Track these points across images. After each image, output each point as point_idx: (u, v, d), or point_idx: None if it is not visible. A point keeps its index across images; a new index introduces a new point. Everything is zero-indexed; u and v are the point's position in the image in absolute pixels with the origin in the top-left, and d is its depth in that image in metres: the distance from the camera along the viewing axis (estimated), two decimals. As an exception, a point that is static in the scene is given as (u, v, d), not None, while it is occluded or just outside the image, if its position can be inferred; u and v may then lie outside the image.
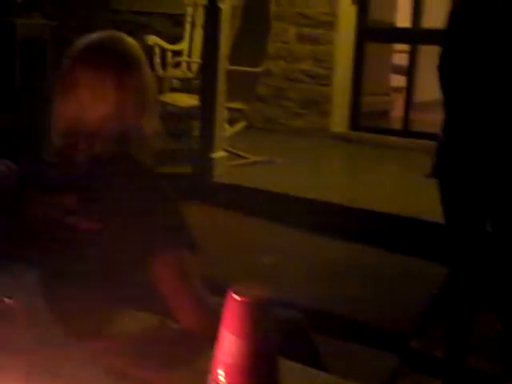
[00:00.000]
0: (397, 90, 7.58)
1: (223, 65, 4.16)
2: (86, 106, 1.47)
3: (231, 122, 4.80)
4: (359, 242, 3.54)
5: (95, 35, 1.55)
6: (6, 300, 1.29)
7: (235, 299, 0.82)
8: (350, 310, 2.94)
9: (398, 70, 7.20)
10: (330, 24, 5.51)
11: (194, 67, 5.21)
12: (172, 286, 1.37)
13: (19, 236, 1.77)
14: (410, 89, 5.81)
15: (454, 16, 2.20)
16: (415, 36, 5.64)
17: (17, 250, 1.85)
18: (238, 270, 3.11)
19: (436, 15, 6.01)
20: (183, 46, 5.29)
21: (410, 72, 5.81)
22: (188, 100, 4.56)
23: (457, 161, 2.21)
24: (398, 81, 7.26)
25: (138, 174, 1.48)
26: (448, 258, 2.41)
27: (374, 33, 5.72)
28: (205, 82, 4.22)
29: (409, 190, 4.17)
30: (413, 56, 5.74)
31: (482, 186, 2.20)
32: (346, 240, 3.57)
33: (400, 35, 6.16)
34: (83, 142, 1.46)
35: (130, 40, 1.58)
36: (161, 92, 4.51)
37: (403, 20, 6.08)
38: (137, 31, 5.92)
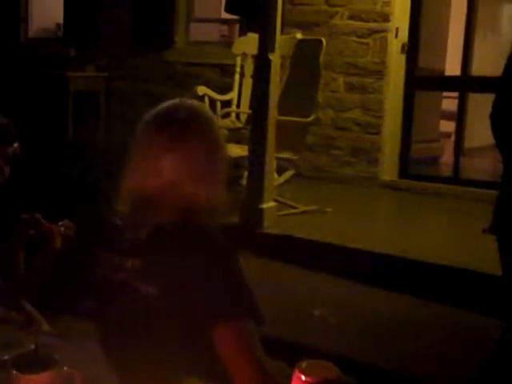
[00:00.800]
0: (446, 135, 7.54)
1: (273, 115, 4.18)
2: (153, 174, 1.47)
3: (279, 170, 4.81)
4: (410, 293, 3.47)
5: (164, 104, 1.54)
6: (67, 369, 1.31)
7: (303, 380, 0.80)
8: (402, 366, 2.87)
9: (447, 115, 7.16)
10: (379, 73, 5.51)
11: (243, 117, 5.25)
12: (234, 359, 1.35)
13: (80, 291, 1.81)
14: (459, 135, 5.75)
15: (510, 64, 2.17)
16: (464, 84, 5.61)
17: (75, 302, 1.88)
18: (288, 322, 3.08)
19: (486, 63, 6.03)
20: (232, 95, 5.35)
21: (459, 118, 5.77)
22: (237, 150, 4.59)
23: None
24: (447, 126, 7.23)
25: (200, 239, 1.45)
26: (506, 313, 2.34)
27: (423, 81, 5.71)
28: (254, 132, 4.25)
29: (461, 241, 4.08)
30: (462, 102, 5.71)
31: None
32: (397, 292, 3.50)
33: (449, 83, 6.14)
34: (149, 210, 1.47)
35: (200, 107, 1.57)
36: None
37: (453, 67, 6.07)
38: (187, 81, 6.05)
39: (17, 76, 6.40)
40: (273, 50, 4.21)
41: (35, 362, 1.35)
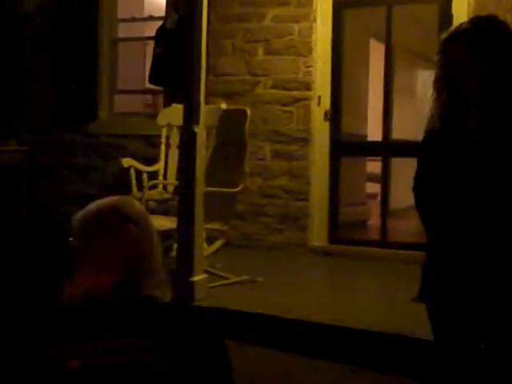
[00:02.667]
0: (372, 196, 7.70)
1: (199, 187, 4.16)
2: (101, 272, 1.63)
3: (208, 240, 4.76)
4: (344, 362, 3.45)
5: (104, 201, 1.73)
6: None
7: None
8: None
9: (372, 177, 7.33)
10: (304, 140, 5.61)
11: (171, 188, 5.21)
12: None
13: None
14: (384, 197, 5.87)
15: (429, 136, 2.21)
16: (386, 148, 5.77)
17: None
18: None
19: (405, 127, 6.24)
20: (159, 166, 5.31)
21: (384, 181, 5.90)
22: (165, 222, 4.52)
23: (443, 284, 2.18)
24: (373, 188, 7.39)
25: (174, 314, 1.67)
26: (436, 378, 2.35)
27: (346, 146, 5.84)
28: (182, 204, 4.20)
29: (392, 306, 4.09)
30: (385, 165, 5.85)
31: (472, 308, 2.15)
32: (334, 361, 3.47)
33: (372, 148, 6.31)
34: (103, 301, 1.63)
35: (138, 204, 1.78)
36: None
37: (375, 131, 6.23)
38: (113, 153, 5.99)
39: None
40: (197, 122, 4.20)
41: None
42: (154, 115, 5.96)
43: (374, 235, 6.00)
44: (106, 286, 1.62)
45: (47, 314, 1.71)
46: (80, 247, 1.66)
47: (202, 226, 4.22)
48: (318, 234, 5.64)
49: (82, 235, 1.67)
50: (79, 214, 1.70)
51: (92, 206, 1.72)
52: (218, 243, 4.99)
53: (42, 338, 1.63)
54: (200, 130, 4.20)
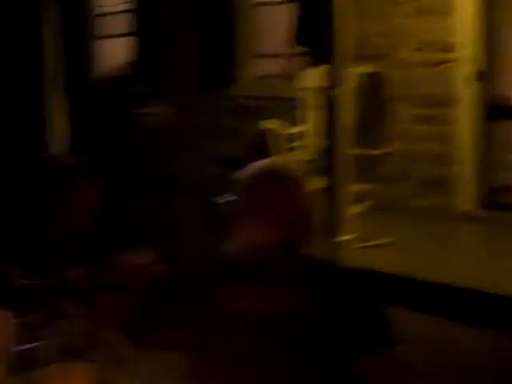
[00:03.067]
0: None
1: (344, 149, 4.16)
2: (262, 229, 1.71)
3: (351, 203, 4.74)
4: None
5: (263, 163, 1.84)
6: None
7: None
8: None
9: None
10: (449, 103, 5.43)
11: (309, 151, 5.22)
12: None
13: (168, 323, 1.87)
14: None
15: None
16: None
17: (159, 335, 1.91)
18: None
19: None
20: (298, 129, 5.34)
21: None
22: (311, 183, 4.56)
23: None
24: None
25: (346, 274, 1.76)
26: None
27: (495, 109, 5.59)
28: (327, 166, 4.22)
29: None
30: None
31: None
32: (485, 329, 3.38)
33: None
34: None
35: (293, 166, 1.89)
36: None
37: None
38: (253, 116, 6.08)
39: (87, 114, 6.54)
40: (340, 84, 4.20)
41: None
42: (292, 78, 5.99)
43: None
44: (266, 243, 1.70)
45: (221, 260, 1.82)
46: (242, 206, 1.75)
47: (347, 188, 4.24)
48: (464, 200, 5.45)
49: (244, 195, 1.76)
50: (240, 175, 1.79)
51: (252, 167, 1.80)
52: (362, 206, 4.98)
53: (211, 281, 1.76)
54: (341, 92, 4.19)
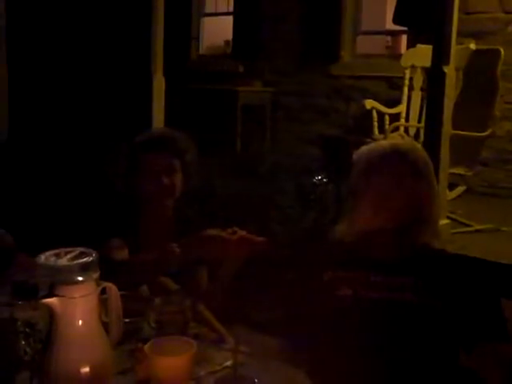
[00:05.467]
0: None
1: (446, 130, 4.03)
2: (378, 215, 1.68)
3: (449, 186, 4.63)
4: None
5: (388, 143, 1.74)
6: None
7: None
8: None
9: None
10: None
11: (412, 131, 5.12)
12: (493, 376, 1.56)
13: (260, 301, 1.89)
14: None
15: None
16: None
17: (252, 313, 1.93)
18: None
19: None
20: (401, 109, 5.23)
21: None
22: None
23: None
24: None
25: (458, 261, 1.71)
26: None
27: None
28: (427, 147, 4.11)
29: None
30: None
31: None
32: None
33: None
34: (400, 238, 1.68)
35: (420, 148, 1.80)
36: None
37: None
38: (354, 95, 6.01)
39: (186, 91, 6.66)
40: (447, 63, 4.05)
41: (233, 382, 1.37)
42: (396, 56, 5.86)
43: None
44: (381, 229, 1.64)
45: (324, 245, 1.80)
46: (361, 187, 1.68)
47: (446, 170, 4.11)
48: None
49: (365, 176, 1.69)
50: (361, 155, 1.70)
51: (376, 147, 1.70)
52: (460, 189, 4.85)
53: (319, 263, 1.73)
54: (449, 71, 4.05)
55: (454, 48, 4.13)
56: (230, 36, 7.33)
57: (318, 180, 3.72)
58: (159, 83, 5.09)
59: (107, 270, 1.37)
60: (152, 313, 1.69)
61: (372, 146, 1.73)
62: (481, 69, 4.68)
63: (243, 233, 2.00)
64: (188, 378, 1.40)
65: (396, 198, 1.66)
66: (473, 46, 4.87)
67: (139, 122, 5.11)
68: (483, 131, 4.41)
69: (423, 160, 1.71)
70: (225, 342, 1.76)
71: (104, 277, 1.37)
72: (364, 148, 1.73)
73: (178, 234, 2.18)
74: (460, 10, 5.08)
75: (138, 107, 5.20)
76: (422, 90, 5.21)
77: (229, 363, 1.57)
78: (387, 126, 4.90)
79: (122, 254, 2.06)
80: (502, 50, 4.58)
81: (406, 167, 1.67)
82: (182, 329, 1.65)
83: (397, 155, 1.69)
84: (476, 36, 5.32)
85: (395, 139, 1.83)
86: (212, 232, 2.01)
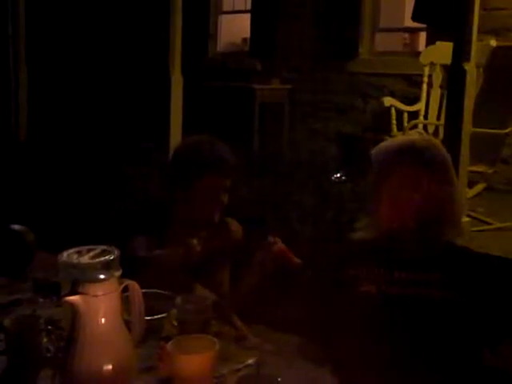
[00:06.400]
0: None
1: (467, 128, 4.00)
2: (401, 208, 1.66)
3: (469, 183, 4.59)
4: None
5: (406, 139, 1.75)
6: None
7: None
8: None
9: None
10: None
11: (431, 129, 5.08)
12: None
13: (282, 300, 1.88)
14: None
15: None
16: None
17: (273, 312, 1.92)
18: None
19: None
20: (420, 106, 5.20)
21: None
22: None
23: None
24: None
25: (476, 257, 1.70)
26: None
27: None
28: (447, 145, 4.07)
29: None
30: None
31: None
32: None
33: None
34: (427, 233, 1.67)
35: (438, 144, 1.76)
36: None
37: None
38: (371, 92, 5.98)
39: (204, 89, 6.66)
40: (468, 60, 4.02)
41: (256, 381, 1.36)
42: (415, 54, 5.83)
43: None
44: (402, 227, 1.64)
45: (345, 242, 1.79)
46: (380, 186, 1.67)
47: (466, 168, 4.08)
48: None
49: (382, 175, 1.69)
50: (378, 153, 1.69)
51: (392, 145, 1.69)
52: (480, 186, 4.81)
53: (338, 261, 1.72)
54: (470, 68, 4.02)
55: (475, 45, 4.10)
56: (247, 34, 7.32)
57: (337, 178, 3.72)
58: (177, 82, 5.09)
59: (131, 267, 1.37)
60: (174, 311, 1.69)
61: (388, 143, 1.72)
62: (501, 66, 4.64)
63: (283, 246, 1.99)
64: (211, 376, 1.39)
65: (415, 197, 1.63)
66: (493, 42, 4.82)
67: (157, 121, 5.11)
68: (504, 128, 4.37)
69: (441, 157, 1.69)
70: (247, 341, 1.76)
71: (127, 275, 1.37)
72: (381, 145, 1.72)
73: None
74: (480, 6, 5.05)
75: (157, 106, 5.20)
76: (441, 87, 5.17)
77: (251, 361, 1.56)
78: (406, 124, 4.87)
79: (147, 253, 2.06)
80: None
81: (423, 165, 1.66)
82: (204, 327, 1.65)
83: (413, 153, 1.68)
84: (496, 33, 5.27)
85: (413, 136, 1.80)
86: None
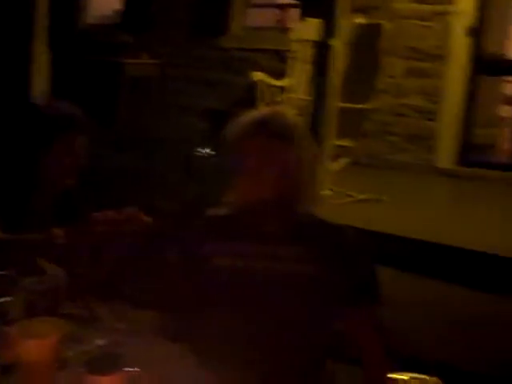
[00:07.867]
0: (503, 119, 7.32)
1: (333, 102, 4.11)
2: (256, 181, 1.66)
3: (334, 158, 4.72)
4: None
5: (255, 113, 1.72)
6: (135, 369, 1.29)
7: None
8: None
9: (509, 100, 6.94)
10: (441, 57, 5.36)
11: (300, 104, 5.17)
12: (368, 337, 1.67)
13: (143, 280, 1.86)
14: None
15: None
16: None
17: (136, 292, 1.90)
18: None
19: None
20: (289, 82, 5.27)
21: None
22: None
23: None
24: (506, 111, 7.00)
25: (338, 229, 1.73)
26: None
27: (487, 65, 5.53)
28: (314, 119, 4.18)
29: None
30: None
31: None
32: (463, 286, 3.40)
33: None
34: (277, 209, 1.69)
35: (286, 114, 1.77)
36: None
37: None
38: (243, 68, 6.00)
39: (73, 62, 6.44)
40: (333, 36, 4.13)
41: (104, 362, 1.34)
42: (286, 30, 5.89)
43: (505, 159, 5.73)
44: (259, 200, 1.65)
45: (202, 216, 1.78)
46: (234, 160, 1.68)
47: (332, 142, 4.21)
48: (446, 156, 5.46)
49: (235, 150, 1.69)
50: (229, 129, 1.70)
51: (243, 118, 1.70)
52: (343, 161, 4.95)
53: (197, 236, 1.72)
54: (335, 44, 4.13)
55: (341, 22, 4.20)
56: (119, 5, 7.13)
57: (204, 153, 3.71)
58: (41, 53, 4.89)
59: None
60: (21, 293, 1.63)
61: (241, 118, 1.73)
62: (365, 42, 4.77)
63: (130, 210, 1.96)
64: (54, 359, 1.35)
65: (267, 168, 1.66)
66: (358, 20, 4.94)
67: (19, 94, 4.89)
68: (367, 104, 4.52)
69: (288, 125, 1.70)
70: (100, 321, 1.72)
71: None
72: (234, 121, 1.72)
73: (63, 215, 2.12)
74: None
75: (18, 78, 4.97)
76: (310, 63, 5.25)
77: (102, 342, 1.53)
78: (273, 99, 4.93)
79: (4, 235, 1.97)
80: (384, 25, 4.68)
81: (271, 136, 1.67)
82: (54, 309, 1.60)
83: (260, 124, 1.68)
84: (362, 10, 5.41)
85: (264, 110, 1.82)
86: (98, 215, 1.97)
